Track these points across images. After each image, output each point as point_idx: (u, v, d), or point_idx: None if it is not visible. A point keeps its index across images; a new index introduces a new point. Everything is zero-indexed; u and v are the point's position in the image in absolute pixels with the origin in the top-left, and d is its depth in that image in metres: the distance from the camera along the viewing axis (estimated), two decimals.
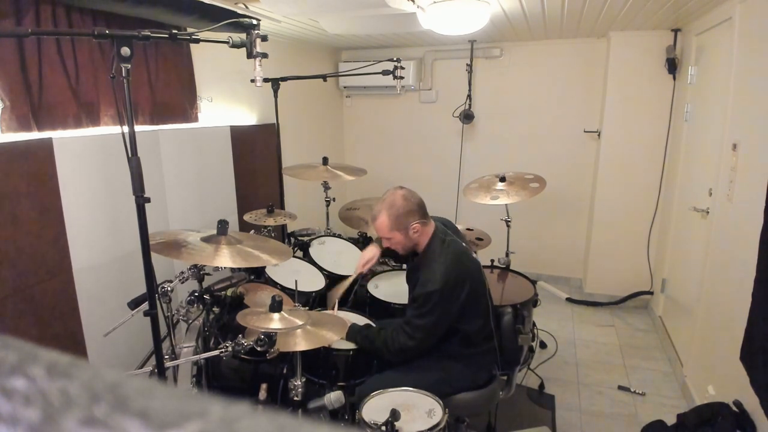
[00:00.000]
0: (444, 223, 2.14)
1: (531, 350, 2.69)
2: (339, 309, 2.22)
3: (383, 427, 1.54)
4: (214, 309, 2.04)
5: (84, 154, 2.11)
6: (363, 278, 2.64)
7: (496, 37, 4.04)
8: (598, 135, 4.05)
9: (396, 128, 4.84)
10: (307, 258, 2.67)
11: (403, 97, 4.73)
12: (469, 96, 4.43)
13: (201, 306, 1.93)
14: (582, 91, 4.17)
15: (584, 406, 2.79)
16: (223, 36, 1.60)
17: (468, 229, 3.05)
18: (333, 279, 2.56)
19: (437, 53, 4.50)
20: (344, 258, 2.79)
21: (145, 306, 1.56)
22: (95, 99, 2.16)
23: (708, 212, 2.73)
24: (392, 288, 2.52)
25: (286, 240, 3.04)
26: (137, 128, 1.52)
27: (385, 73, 2.91)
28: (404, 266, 2.59)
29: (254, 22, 1.53)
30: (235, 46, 1.52)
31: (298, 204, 3.74)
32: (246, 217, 2.64)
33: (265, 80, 2.06)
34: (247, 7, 2.33)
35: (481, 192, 2.90)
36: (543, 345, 3.30)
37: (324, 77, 3.06)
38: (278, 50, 3.68)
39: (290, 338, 1.68)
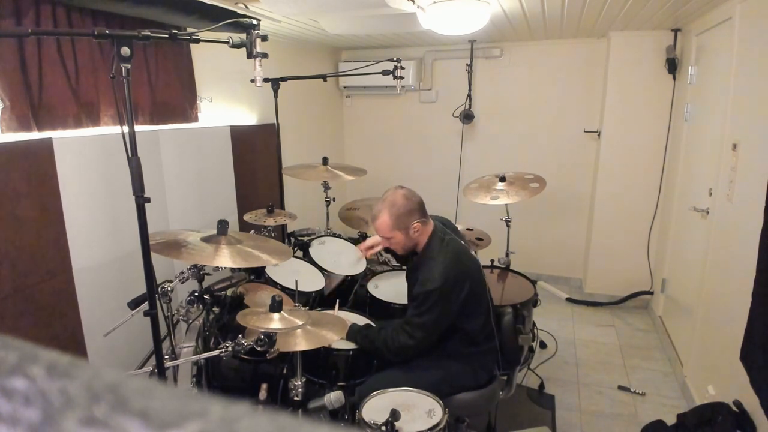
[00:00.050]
0: (443, 223, 2.14)
1: (531, 350, 2.69)
2: (339, 309, 2.22)
3: (383, 427, 1.54)
4: (214, 309, 2.04)
5: (84, 154, 2.11)
6: (363, 278, 2.65)
7: (496, 37, 4.04)
8: (598, 135, 4.05)
9: (396, 128, 4.84)
10: (307, 258, 2.67)
11: (403, 97, 4.73)
12: (469, 96, 4.43)
13: (201, 306, 1.93)
14: (582, 91, 4.17)
15: (584, 406, 2.79)
16: (223, 36, 1.60)
17: (468, 229, 3.05)
18: (333, 280, 2.56)
19: (437, 53, 4.50)
20: (344, 258, 2.79)
21: (145, 306, 1.56)
22: (95, 99, 2.16)
23: (708, 212, 2.73)
24: (392, 288, 2.52)
25: (286, 240, 3.04)
26: (137, 128, 1.52)
27: (385, 73, 2.91)
28: (404, 267, 2.59)
29: (254, 22, 1.53)
30: (235, 46, 1.52)
31: (298, 204, 3.74)
32: (246, 217, 2.64)
33: (265, 80, 2.06)
34: (247, 7, 2.33)
35: (481, 192, 2.90)
36: (543, 345, 3.30)
37: (324, 77, 3.06)
38: (278, 50, 3.68)
39: (290, 338, 1.68)
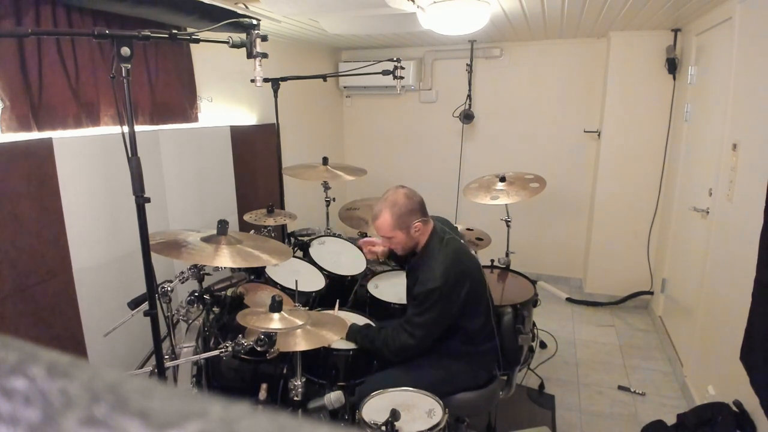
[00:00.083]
0: (442, 222, 2.14)
1: (531, 350, 2.69)
2: (339, 309, 2.22)
3: (383, 427, 1.54)
4: (214, 309, 2.04)
5: (84, 154, 2.11)
6: (363, 278, 2.65)
7: (496, 37, 4.04)
8: (598, 135, 4.05)
9: (396, 128, 4.84)
10: (307, 258, 2.67)
11: (403, 97, 4.73)
12: (469, 96, 4.43)
13: (201, 306, 1.93)
14: (582, 91, 4.17)
15: (584, 406, 2.79)
16: (223, 36, 1.60)
17: (468, 229, 3.05)
18: (333, 279, 2.56)
19: (437, 53, 4.50)
20: (344, 258, 2.79)
21: (145, 306, 1.56)
22: (95, 99, 2.16)
23: (708, 212, 2.73)
24: (392, 288, 2.52)
25: (286, 240, 3.04)
26: (137, 128, 1.52)
27: (385, 73, 2.91)
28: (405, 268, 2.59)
29: (254, 22, 1.53)
30: (235, 46, 1.52)
31: (298, 204, 3.74)
32: (246, 217, 2.64)
33: (265, 80, 2.07)
34: (247, 7, 2.33)
35: (481, 192, 2.90)
36: (543, 345, 3.30)
37: (324, 77, 3.06)
38: (278, 50, 3.68)
39: (290, 338, 1.68)
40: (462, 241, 2.08)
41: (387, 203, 1.93)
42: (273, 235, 2.65)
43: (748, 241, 2.04)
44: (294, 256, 2.55)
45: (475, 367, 2.00)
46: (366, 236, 3.06)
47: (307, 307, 2.21)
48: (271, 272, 2.42)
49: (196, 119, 2.80)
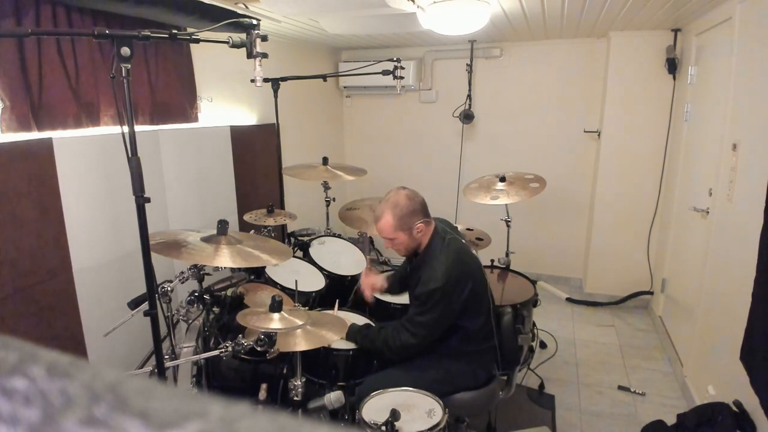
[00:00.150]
0: (443, 223, 2.14)
1: (531, 350, 2.69)
2: (339, 309, 2.22)
3: (383, 427, 1.54)
4: (214, 309, 2.04)
5: (84, 154, 2.11)
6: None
7: (496, 37, 4.04)
8: (598, 135, 4.05)
9: (396, 128, 4.84)
10: (307, 258, 2.67)
11: (403, 97, 4.73)
12: (469, 96, 4.43)
13: (201, 306, 1.93)
14: (582, 91, 4.17)
15: (584, 406, 2.79)
16: (223, 36, 1.60)
17: (468, 229, 3.05)
18: (333, 279, 2.56)
19: (437, 53, 4.50)
20: (344, 258, 2.79)
21: (145, 306, 1.56)
22: (95, 99, 2.16)
23: (708, 212, 2.73)
24: None
25: (286, 240, 3.04)
26: (137, 128, 1.52)
27: (385, 73, 2.91)
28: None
29: (254, 22, 1.53)
30: (235, 46, 1.52)
31: (298, 204, 3.74)
32: (246, 217, 2.64)
33: (265, 80, 2.06)
34: (247, 7, 2.33)
35: (481, 192, 2.90)
36: (543, 345, 3.30)
37: (324, 77, 3.06)
38: (278, 50, 3.68)
39: (290, 338, 1.68)
40: (463, 241, 2.09)
41: (389, 205, 1.93)
42: (273, 235, 2.65)
43: (748, 241, 2.04)
44: (294, 256, 2.55)
45: (475, 367, 2.00)
46: (366, 236, 3.07)
47: (307, 307, 2.21)
48: (271, 272, 2.42)
49: (196, 119, 2.80)
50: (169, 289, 1.78)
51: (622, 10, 2.95)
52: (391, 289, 2.29)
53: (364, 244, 2.78)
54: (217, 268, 1.96)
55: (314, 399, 1.83)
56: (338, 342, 1.94)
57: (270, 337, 1.64)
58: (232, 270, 2.10)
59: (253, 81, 1.54)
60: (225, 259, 1.68)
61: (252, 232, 2.41)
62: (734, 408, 2.05)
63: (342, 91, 4.86)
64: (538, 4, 2.76)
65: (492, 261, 2.94)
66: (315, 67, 4.30)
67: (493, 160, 4.42)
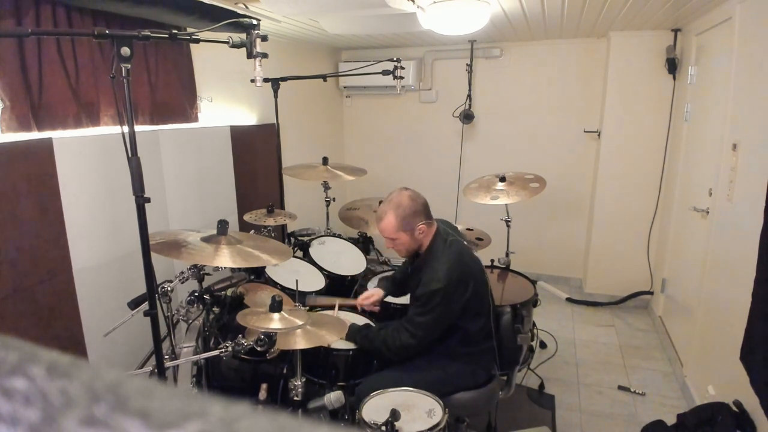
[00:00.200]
0: (444, 224, 2.15)
1: (531, 350, 2.69)
2: (339, 309, 2.22)
3: (383, 427, 1.54)
4: (214, 309, 2.04)
5: (84, 154, 2.11)
6: (363, 278, 2.65)
7: (496, 37, 4.04)
8: (598, 135, 4.05)
9: (396, 128, 4.84)
10: (307, 258, 2.67)
11: (403, 97, 4.73)
12: (469, 96, 4.43)
13: (201, 306, 1.93)
14: (582, 91, 4.17)
15: (584, 406, 2.79)
16: (223, 36, 1.60)
17: (468, 229, 3.05)
18: (333, 279, 2.56)
19: (437, 53, 4.50)
20: (344, 258, 2.79)
21: (145, 306, 1.56)
22: (95, 99, 2.16)
23: (708, 212, 2.73)
24: None
25: (286, 240, 3.04)
26: (137, 128, 1.52)
27: (385, 73, 2.91)
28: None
29: (254, 22, 1.54)
30: (235, 46, 1.52)
31: (298, 204, 3.74)
32: (246, 217, 2.64)
33: (265, 80, 2.07)
34: (247, 7, 2.33)
35: (481, 192, 2.90)
36: (543, 345, 3.30)
37: (324, 77, 3.06)
38: (278, 50, 3.68)
39: (290, 338, 1.68)
40: (465, 242, 2.09)
41: (391, 205, 1.93)
42: (273, 235, 2.65)
43: (748, 241, 2.04)
44: (294, 256, 2.55)
45: (474, 367, 2.00)
46: (366, 236, 3.07)
47: (307, 307, 2.21)
48: (271, 272, 2.42)
49: (196, 119, 2.80)
50: (169, 289, 1.78)
51: (622, 10, 2.95)
52: (387, 293, 2.30)
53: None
54: (217, 268, 1.96)
55: (314, 399, 1.83)
56: (338, 342, 1.94)
57: (270, 337, 1.65)
58: (232, 270, 2.10)
59: (253, 81, 1.54)
60: (225, 259, 1.68)
61: (252, 232, 2.41)
62: (734, 408, 2.05)
63: (342, 91, 4.86)
64: (538, 4, 2.76)
65: (492, 261, 2.94)
66: (315, 67, 4.29)
67: (493, 160, 4.42)
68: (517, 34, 3.84)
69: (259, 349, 1.65)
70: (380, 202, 2.05)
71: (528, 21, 3.28)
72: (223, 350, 1.70)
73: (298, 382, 1.79)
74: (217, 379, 2.03)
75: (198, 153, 2.82)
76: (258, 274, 2.46)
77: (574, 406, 2.80)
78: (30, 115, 1.89)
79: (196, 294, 1.90)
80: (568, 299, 4.18)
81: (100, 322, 2.10)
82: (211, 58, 2.93)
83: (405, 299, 2.25)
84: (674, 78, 3.62)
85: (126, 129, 1.40)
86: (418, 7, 2.52)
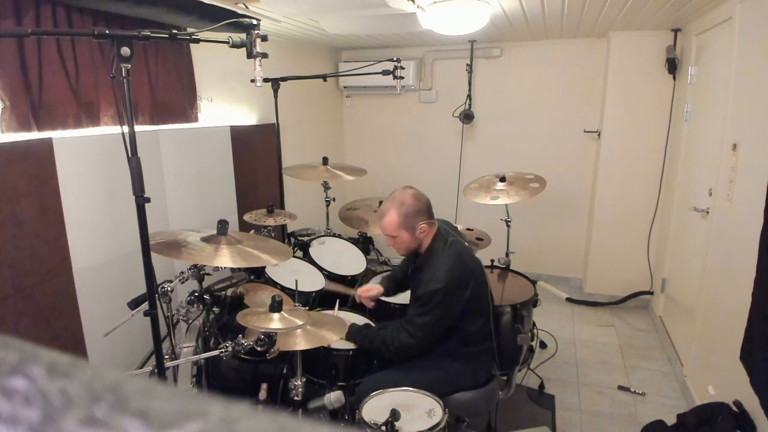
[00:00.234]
0: (445, 225, 2.15)
1: (531, 350, 2.69)
2: (339, 309, 2.22)
3: (383, 427, 1.54)
4: (214, 309, 2.04)
5: (84, 154, 2.11)
6: (363, 278, 2.65)
7: (496, 37, 4.04)
8: (598, 135, 4.05)
9: (396, 128, 4.84)
10: (307, 258, 2.67)
11: (403, 97, 4.73)
12: (469, 96, 4.43)
13: (201, 306, 1.93)
14: (582, 91, 4.17)
15: (584, 406, 2.79)
16: (223, 36, 1.60)
17: (468, 229, 3.05)
18: (333, 279, 2.56)
19: (437, 53, 4.50)
20: (344, 258, 2.79)
21: (145, 306, 1.56)
22: (95, 99, 2.16)
23: (708, 212, 2.73)
24: None
25: (286, 240, 3.04)
26: (137, 128, 1.52)
27: (385, 73, 2.91)
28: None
29: (254, 22, 1.53)
30: (235, 46, 1.52)
31: (298, 204, 3.74)
32: (246, 217, 2.64)
33: (265, 80, 2.07)
34: (247, 7, 2.33)
35: (481, 192, 2.90)
36: (543, 345, 3.30)
37: (324, 77, 3.06)
38: (278, 50, 3.68)
39: (290, 338, 1.68)
40: (465, 243, 2.09)
41: (394, 203, 1.94)
42: (273, 235, 2.65)
43: (748, 241, 2.04)
44: (294, 256, 2.55)
45: (474, 367, 2.00)
46: (366, 236, 3.07)
47: (307, 307, 2.21)
48: (271, 272, 2.42)
49: (196, 119, 2.80)
50: (169, 289, 1.78)
51: (622, 10, 2.95)
52: (387, 292, 2.30)
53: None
54: (217, 268, 1.96)
55: (314, 399, 1.83)
56: (338, 342, 1.94)
57: (270, 337, 1.64)
58: (232, 270, 2.10)
59: (253, 81, 1.54)
60: (225, 259, 1.68)
61: (252, 232, 2.41)
62: (734, 408, 2.05)
63: (342, 91, 4.86)
64: (538, 4, 2.76)
65: (492, 261, 2.94)
66: (315, 67, 4.29)
67: (493, 160, 4.42)
68: (517, 34, 3.84)
69: (259, 349, 1.65)
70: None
71: (528, 21, 3.28)
72: (223, 350, 1.70)
73: (298, 382, 1.79)
74: (217, 379, 2.03)
75: (198, 153, 2.82)
76: (258, 274, 2.46)
77: (574, 406, 2.80)
78: (30, 115, 1.89)
79: (196, 294, 1.90)
80: (568, 299, 4.18)
81: (100, 322, 2.10)
82: (211, 58, 2.93)
83: (405, 299, 2.25)
84: (674, 78, 3.62)
85: (126, 129, 1.39)
86: (418, 7, 2.52)
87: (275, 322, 1.60)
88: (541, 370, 3.02)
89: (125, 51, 1.33)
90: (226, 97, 3.15)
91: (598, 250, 4.12)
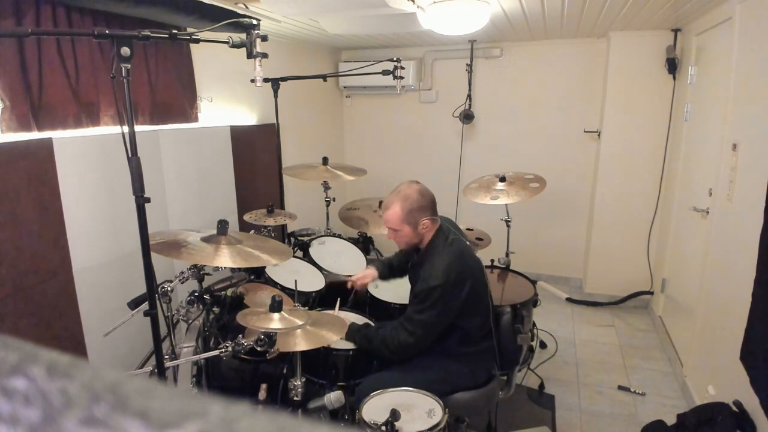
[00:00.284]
0: (447, 222, 2.15)
1: (531, 350, 2.69)
2: (339, 309, 2.22)
3: (383, 427, 1.54)
4: (214, 309, 2.04)
5: (84, 154, 2.11)
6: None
7: (496, 37, 4.04)
8: (598, 135, 4.05)
9: (396, 128, 4.85)
10: (307, 258, 2.67)
11: (403, 97, 4.73)
12: (469, 96, 4.43)
13: (201, 306, 1.93)
14: (582, 91, 4.17)
15: (584, 406, 2.79)
16: (223, 36, 1.60)
17: (468, 229, 3.05)
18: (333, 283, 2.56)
19: (437, 53, 4.50)
20: (344, 258, 2.79)
21: (145, 306, 1.56)
22: (95, 99, 2.17)
23: (708, 212, 2.73)
24: (392, 288, 2.51)
25: (286, 240, 3.04)
26: (137, 128, 1.52)
27: (385, 73, 2.91)
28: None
29: (254, 22, 1.53)
30: (235, 46, 1.52)
31: (298, 204, 3.74)
32: (246, 217, 2.64)
33: (265, 80, 2.07)
34: (247, 7, 2.33)
35: (481, 192, 2.90)
36: (543, 345, 3.30)
37: (324, 77, 3.06)
38: (278, 50, 3.68)
39: (290, 338, 1.68)
40: (467, 243, 2.09)
41: (399, 197, 1.94)
42: (273, 235, 2.65)
43: (748, 241, 2.04)
44: (294, 256, 2.54)
45: (474, 367, 2.00)
46: (366, 236, 3.06)
47: (307, 307, 2.21)
48: (271, 272, 2.42)
49: (196, 119, 2.81)
50: (169, 289, 1.78)
51: (622, 10, 2.95)
52: (381, 276, 2.31)
53: None
54: (217, 268, 1.96)
55: (314, 399, 1.83)
56: (338, 342, 1.94)
57: (270, 337, 1.64)
58: (232, 270, 2.10)
59: (253, 81, 1.54)
60: (225, 259, 1.68)
61: (252, 232, 2.41)
62: (734, 408, 2.05)
63: (342, 91, 4.86)
64: (538, 4, 2.76)
65: (492, 261, 2.94)
66: (315, 67, 4.30)
67: (493, 160, 4.42)
68: (517, 34, 3.84)
69: (259, 349, 1.65)
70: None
71: (528, 21, 3.28)
72: (223, 350, 1.70)
73: (298, 382, 1.79)
74: (217, 379, 2.03)
75: (198, 153, 2.82)
76: (258, 274, 2.46)
77: (574, 406, 2.80)
78: (30, 115, 1.89)
79: (196, 294, 1.90)
80: (568, 299, 4.18)
81: (100, 322, 2.10)
82: (211, 58, 2.93)
83: (405, 299, 2.25)
84: (674, 78, 3.62)
85: (126, 129, 1.39)
86: (418, 7, 2.52)
87: (275, 322, 1.60)
88: (541, 370, 3.02)
89: (125, 51, 1.33)
90: (226, 97, 3.15)
91: (598, 250, 4.12)
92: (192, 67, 2.76)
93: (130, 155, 1.40)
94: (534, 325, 2.75)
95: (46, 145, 1.94)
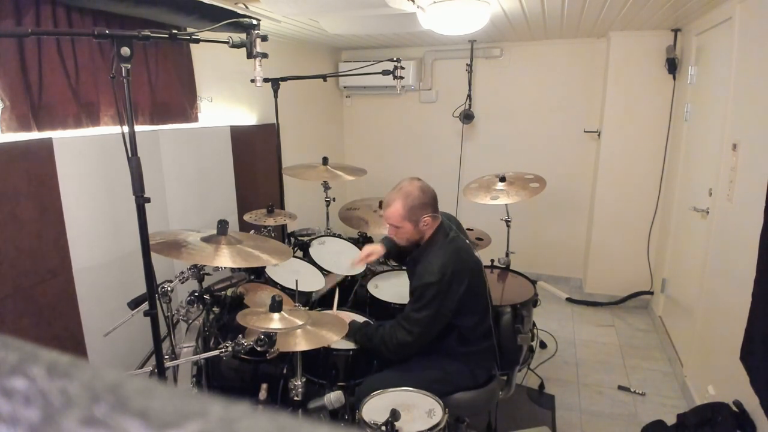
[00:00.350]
0: (449, 219, 2.15)
1: (531, 350, 2.69)
2: (339, 309, 2.22)
3: (383, 427, 1.54)
4: (214, 309, 2.04)
5: (84, 154, 2.11)
6: (363, 278, 2.65)
7: (496, 37, 4.04)
8: (598, 135, 4.05)
9: (396, 128, 4.85)
10: (307, 258, 2.67)
11: (403, 97, 4.73)
12: (469, 96, 4.43)
13: (201, 306, 1.93)
14: (582, 91, 4.17)
15: (584, 406, 2.79)
16: (223, 36, 1.60)
17: (468, 229, 3.04)
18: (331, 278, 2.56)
19: (437, 53, 4.50)
20: (344, 258, 2.79)
21: (145, 306, 1.56)
22: (95, 99, 2.17)
23: (708, 212, 2.73)
24: (392, 288, 2.52)
25: (286, 240, 3.04)
26: (137, 128, 1.52)
27: (385, 73, 2.90)
28: (404, 267, 2.59)
29: (254, 22, 1.53)
30: (235, 46, 1.52)
31: (298, 204, 3.74)
32: (246, 217, 2.64)
33: (265, 80, 2.07)
34: (247, 7, 2.33)
35: (481, 192, 2.90)
36: (543, 345, 3.30)
37: (324, 77, 3.06)
38: (278, 50, 3.68)
39: (290, 338, 1.68)
40: (467, 241, 2.09)
41: (401, 193, 1.94)
42: (273, 235, 2.65)
43: (748, 241, 2.04)
44: (294, 256, 2.54)
45: (474, 367, 2.00)
46: (366, 236, 3.06)
47: (307, 307, 2.21)
48: (271, 272, 2.42)
49: (196, 119, 2.80)
50: (169, 289, 1.78)
51: (622, 10, 2.95)
52: (388, 254, 2.25)
53: None
54: (217, 268, 1.96)
55: (314, 399, 1.83)
56: (338, 342, 1.94)
57: (270, 337, 1.64)
58: (232, 270, 2.10)
59: (253, 81, 1.54)
60: (225, 259, 1.68)
61: (252, 232, 2.41)
62: (734, 408, 2.05)
63: (342, 91, 4.86)
64: (538, 4, 2.76)
65: (492, 261, 2.94)
66: (315, 67, 4.30)
67: (493, 160, 4.42)
68: (517, 34, 3.84)
69: (259, 349, 1.65)
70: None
71: (528, 21, 3.28)
72: (223, 350, 1.70)
73: (298, 382, 1.79)
74: (217, 379, 2.03)
75: (198, 153, 2.82)
76: (258, 274, 2.46)
77: (574, 406, 2.80)
78: (30, 115, 1.89)
79: (196, 294, 1.90)
80: (568, 299, 4.18)
81: (100, 322, 2.10)
82: (211, 58, 2.93)
83: (404, 298, 2.25)
84: (674, 78, 3.62)
85: (126, 129, 1.39)
86: (418, 7, 2.52)
87: (275, 322, 1.60)
88: (541, 370, 3.02)
89: (125, 51, 1.33)
90: (226, 97, 3.15)
91: (598, 250, 4.12)
92: (192, 67, 2.76)
93: (130, 155, 1.40)
94: (534, 325, 2.75)
95: (46, 145, 1.94)
